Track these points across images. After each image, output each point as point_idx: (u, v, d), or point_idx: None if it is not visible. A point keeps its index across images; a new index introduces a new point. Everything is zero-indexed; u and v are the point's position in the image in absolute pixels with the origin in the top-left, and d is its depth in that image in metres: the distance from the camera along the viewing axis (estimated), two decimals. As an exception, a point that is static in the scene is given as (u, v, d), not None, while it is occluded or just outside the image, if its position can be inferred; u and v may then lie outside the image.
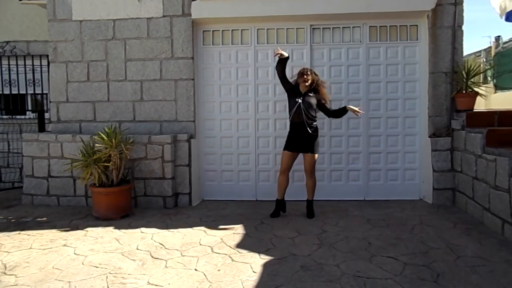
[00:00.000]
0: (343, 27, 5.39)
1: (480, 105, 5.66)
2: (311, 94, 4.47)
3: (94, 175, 4.55)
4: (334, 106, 5.31)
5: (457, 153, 4.89)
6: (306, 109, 4.37)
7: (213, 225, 4.30)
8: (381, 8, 5.05)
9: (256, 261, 3.26)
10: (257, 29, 5.45)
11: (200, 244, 3.71)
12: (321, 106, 4.56)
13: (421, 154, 5.32)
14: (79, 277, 3.00)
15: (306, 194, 4.65)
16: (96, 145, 4.65)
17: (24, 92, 7.39)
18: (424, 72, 5.21)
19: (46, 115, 6.41)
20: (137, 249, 3.61)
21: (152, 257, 3.41)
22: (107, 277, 3.00)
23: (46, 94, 7.18)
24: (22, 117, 7.26)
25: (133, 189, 5.03)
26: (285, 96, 4.71)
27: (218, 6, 5.20)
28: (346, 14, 5.15)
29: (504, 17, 5.06)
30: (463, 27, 5.06)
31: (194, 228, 4.22)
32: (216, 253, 3.48)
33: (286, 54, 4.42)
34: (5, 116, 7.36)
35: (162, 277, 3.00)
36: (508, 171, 3.67)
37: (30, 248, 3.65)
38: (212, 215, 4.74)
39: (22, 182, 5.76)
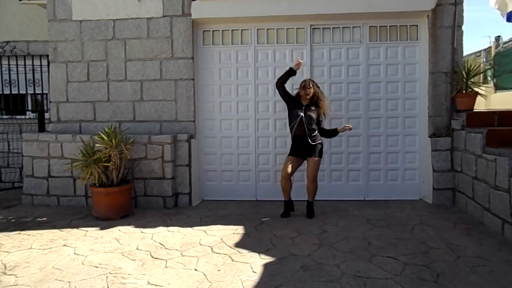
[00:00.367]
0: (343, 27, 5.39)
1: (480, 105, 5.66)
2: (312, 108, 4.46)
3: (94, 175, 4.55)
4: (334, 106, 5.36)
5: (457, 153, 4.89)
6: (307, 123, 4.37)
7: (213, 225, 4.30)
8: (381, 8, 5.05)
9: (256, 261, 3.26)
10: (257, 29, 5.45)
11: (200, 244, 3.71)
12: (318, 122, 4.52)
13: (421, 154, 5.32)
14: (79, 277, 3.00)
15: (307, 195, 4.64)
16: (96, 145, 4.65)
17: (24, 92, 7.39)
18: (424, 72, 5.21)
19: (46, 115, 6.41)
20: (137, 249, 3.61)
21: (152, 257, 3.41)
22: (107, 277, 3.00)
23: (46, 94, 7.18)
24: (22, 117, 7.26)
25: (133, 189, 5.03)
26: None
27: (218, 6, 5.20)
28: (346, 14, 5.15)
29: (505, 17, 5.06)
30: (463, 27, 5.06)
31: (194, 228, 4.22)
32: (216, 253, 3.48)
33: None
34: (5, 116, 7.36)
35: (162, 277, 3.00)
36: (508, 171, 3.67)
37: (30, 248, 3.65)
38: (212, 215, 4.74)
39: (22, 182, 5.76)
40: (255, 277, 2.96)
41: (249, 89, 5.49)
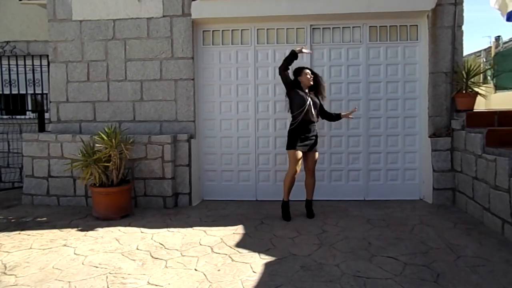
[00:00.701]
0: (343, 27, 5.39)
1: (480, 105, 5.66)
2: (312, 93, 4.52)
3: (94, 175, 4.55)
4: (334, 106, 5.36)
5: (457, 153, 4.89)
6: (313, 108, 4.41)
7: (213, 225, 4.30)
8: (381, 8, 5.05)
9: (256, 261, 3.26)
10: (257, 29, 5.45)
11: (200, 244, 3.71)
12: (320, 106, 4.58)
13: (421, 154, 5.32)
14: (79, 277, 3.00)
15: (306, 194, 4.64)
16: (96, 145, 4.65)
17: (24, 92, 7.39)
18: (424, 72, 5.21)
19: (46, 115, 6.42)
20: (137, 249, 3.61)
21: (152, 257, 3.41)
22: (107, 277, 3.00)
23: (46, 94, 7.18)
24: (22, 117, 7.26)
25: (133, 189, 5.03)
26: (283, 95, 4.69)
27: (218, 6, 5.20)
28: (346, 14, 5.15)
29: (505, 17, 5.06)
30: (463, 27, 5.06)
31: (194, 228, 4.22)
32: (216, 253, 3.48)
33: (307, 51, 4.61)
34: (5, 116, 7.36)
35: (162, 277, 3.00)
36: (508, 171, 3.67)
37: (30, 248, 3.65)
38: (212, 215, 4.74)
39: (22, 182, 5.77)
40: (255, 277, 2.96)
41: (249, 89, 5.49)
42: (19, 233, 4.08)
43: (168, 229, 4.20)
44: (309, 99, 4.41)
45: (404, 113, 5.37)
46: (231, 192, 5.52)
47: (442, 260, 3.21)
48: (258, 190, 5.51)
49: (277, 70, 4.54)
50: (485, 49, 10.89)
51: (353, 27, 5.37)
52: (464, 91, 4.87)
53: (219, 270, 3.11)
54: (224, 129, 5.54)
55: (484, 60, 10.54)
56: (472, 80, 4.86)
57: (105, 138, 4.57)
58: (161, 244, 3.73)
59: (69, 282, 2.93)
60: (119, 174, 4.68)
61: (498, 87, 8.64)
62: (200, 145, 5.52)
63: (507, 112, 4.72)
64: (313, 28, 5.40)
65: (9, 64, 7.19)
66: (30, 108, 7.38)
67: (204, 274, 3.03)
